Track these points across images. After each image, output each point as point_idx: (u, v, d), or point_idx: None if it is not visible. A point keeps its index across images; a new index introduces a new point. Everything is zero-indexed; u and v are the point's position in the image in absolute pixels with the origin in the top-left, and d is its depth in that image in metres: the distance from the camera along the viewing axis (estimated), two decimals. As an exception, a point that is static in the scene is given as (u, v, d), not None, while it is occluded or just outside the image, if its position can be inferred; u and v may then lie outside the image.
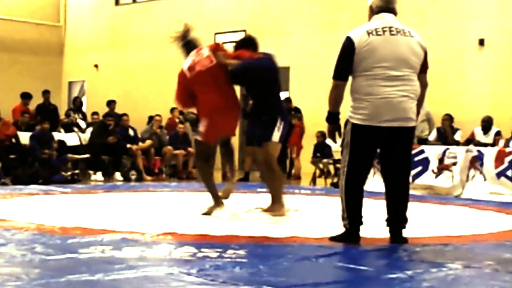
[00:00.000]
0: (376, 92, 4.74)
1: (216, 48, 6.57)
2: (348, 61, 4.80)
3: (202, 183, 6.58)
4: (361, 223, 4.93)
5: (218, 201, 6.45)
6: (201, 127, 6.43)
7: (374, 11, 4.97)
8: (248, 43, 6.80)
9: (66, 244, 4.61)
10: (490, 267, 4.16)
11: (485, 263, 4.27)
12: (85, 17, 20.99)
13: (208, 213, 6.42)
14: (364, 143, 4.84)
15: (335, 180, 12.12)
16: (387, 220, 4.98)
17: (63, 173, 11.46)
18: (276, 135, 6.52)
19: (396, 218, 4.96)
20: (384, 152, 4.95)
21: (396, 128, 4.81)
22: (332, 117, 4.99)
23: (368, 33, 4.81)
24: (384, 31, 4.81)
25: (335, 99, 4.91)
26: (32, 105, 15.02)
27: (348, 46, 4.80)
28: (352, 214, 4.90)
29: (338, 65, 4.87)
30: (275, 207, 6.61)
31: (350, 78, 4.91)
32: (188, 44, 6.76)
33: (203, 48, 6.60)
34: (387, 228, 4.98)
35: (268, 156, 6.55)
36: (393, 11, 4.96)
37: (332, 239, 4.99)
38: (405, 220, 4.98)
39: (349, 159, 4.86)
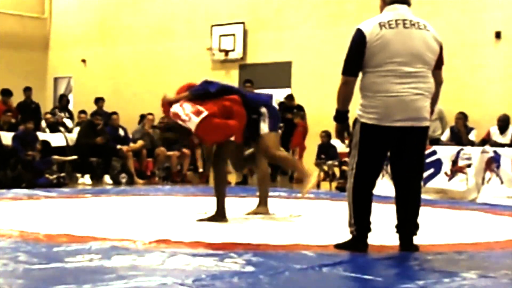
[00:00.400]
0: (388, 90, 4.73)
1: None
2: (359, 56, 4.77)
3: (216, 188, 6.60)
4: (370, 230, 4.92)
5: (222, 214, 6.53)
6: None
7: (386, 2, 4.95)
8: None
9: (52, 253, 4.61)
10: (507, 276, 4.17)
11: (502, 272, 4.28)
12: (72, 9, 20.99)
13: (204, 220, 6.47)
14: (374, 144, 4.83)
15: (341, 183, 12.13)
16: (397, 226, 4.97)
17: (48, 176, 11.46)
18: (264, 126, 6.59)
19: (407, 224, 4.95)
20: (395, 153, 4.94)
21: (409, 128, 4.79)
22: (341, 116, 4.97)
23: (381, 26, 4.78)
24: (397, 24, 4.79)
25: (345, 96, 4.88)
26: (15, 103, 15.04)
27: (359, 39, 4.77)
28: (360, 220, 4.88)
29: (348, 59, 4.84)
30: (261, 209, 6.92)
31: (360, 74, 4.91)
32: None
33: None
34: (397, 235, 4.98)
35: (266, 150, 6.61)
36: (407, 1, 4.95)
37: (338, 246, 4.99)
38: (416, 226, 4.97)
39: (357, 161, 4.85)
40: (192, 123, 6.18)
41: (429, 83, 4.86)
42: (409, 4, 4.97)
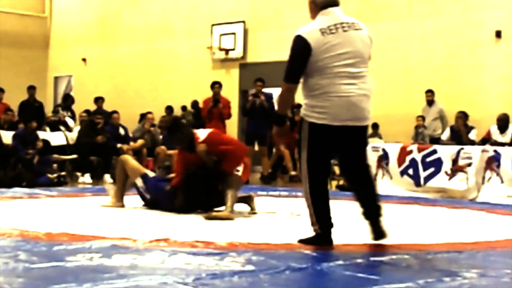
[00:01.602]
0: (337, 90, 4.89)
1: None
2: (303, 63, 4.91)
3: (231, 201, 6.86)
4: (332, 225, 5.05)
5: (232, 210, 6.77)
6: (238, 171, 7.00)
7: (318, 6, 5.06)
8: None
9: (52, 252, 4.61)
10: (508, 276, 4.16)
11: (503, 271, 4.27)
12: (72, 8, 21.00)
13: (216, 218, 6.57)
14: (323, 143, 4.98)
15: (341, 182, 12.13)
16: (363, 213, 5.11)
17: (49, 175, 11.46)
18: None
19: (371, 209, 5.09)
20: (343, 151, 5.13)
21: (355, 127, 5.00)
22: (282, 120, 5.24)
23: (322, 32, 4.92)
24: (337, 28, 4.96)
25: (288, 102, 5.15)
26: (16, 102, 15.04)
27: (303, 48, 4.89)
28: (322, 218, 5.02)
29: (291, 67, 4.98)
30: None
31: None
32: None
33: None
34: (366, 222, 5.09)
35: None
36: (336, 3, 5.12)
37: (302, 241, 5.09)
38: (379, 208, 5.09)
39: (308, 160, 4.98)
40: None
41: (370, 84, 5.06)
42: (338, 4, 5.14)
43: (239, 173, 7.03)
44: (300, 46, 4.91)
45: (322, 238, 5.01)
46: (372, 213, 5.08)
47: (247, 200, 7.31)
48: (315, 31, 4.92)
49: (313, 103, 4.93)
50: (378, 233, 5.05)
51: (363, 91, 4.97)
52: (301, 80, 4.99)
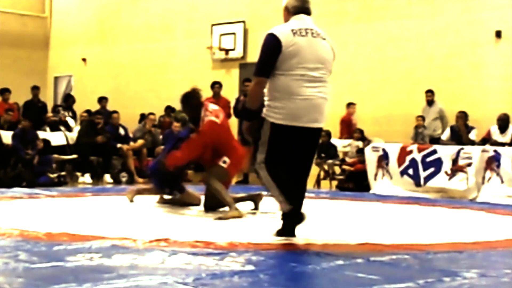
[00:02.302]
0: (299, 93, 5.13)
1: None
2: (273, 59, 5.15)
3: (221, 193, 6.97)
4: (302, 199, 5.26)
5: (236, 208, 6.85)
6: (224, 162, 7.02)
7: (291, 12, 5.32)
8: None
9: (52, 252, 4.61)
10: (508, 276, 4.16)
11: (503, 271, 4.28)
12: (72, 8, 20.99)
13: (222, 218, 6.59)
14: (283, 142, 5.21)
15: (341, 182, 12.13)
16: (283, 215, 5.30)
17: (50, 175, 11.46)
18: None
19: (294, 214, 5.25)
20: (295, 151, 5.30)
21: (312, 128, 5.24)
22: (253, 114, 5.40)
23: (293, 33, 5.18)
24: (307, 33, 5.23)
25: (258, 96, 5.29)
26: (21, 102, 15.04)
27: (274, 44, 5.13)
28: (288, 193, 5.17)
29: (262, 62, 5.22)
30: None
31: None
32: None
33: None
34: (282, 221, 5.31)
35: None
36: (308, 11, 5.37)
37: (277, 233, 5.30)
38: (302, 214, 5.27)
39: (266, 157, 5.23)
40: None
41: (329, 88, 5.32)
42: (310, 13, 5.38)
43: (225, 165, 7.01)
44: (272, 43, 5.14)
45: (293, 216, 5.20)
46: (292, 220, 5.27)
47: (256, 198, 7.29)
48: (287, 31, 5.18)
49: (276, 104, 5.17)
50: (289, 233, 5.28)
51: (323, 94, 5.23)
52: (269, 80, 5.19)
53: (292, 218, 5.23)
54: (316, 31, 5.29)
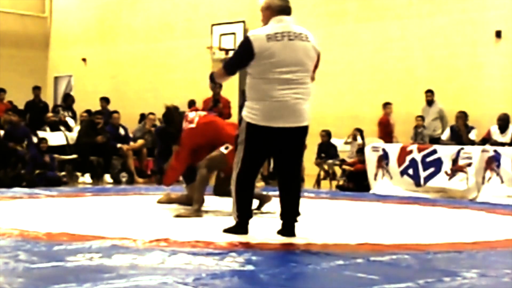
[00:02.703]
0: (272, 95, 5.27)
1: None
2: (242, 62, 5.40)
3: (197, 187, 6.86)
4: (251, 216, 5.53)
5: (200, 210, 6.86)
6: (229, 146, 6.90)
7: (274, 11, 5.44)
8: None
9: (52, 252, 4.61)
10: (508, 276, 4.16)
11: (503, 271, 4.27)
12: (72, 8, 20.99)
13: (181, 215, 6.69)
14: (258, 142, 5.37)
15: (341, 182, 12.14)
16: (281, 214, 5.49)
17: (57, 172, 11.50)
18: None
19: (290, 213, 5.46)
20: (278, 152, 5.47)
21: (290, 128, 5.33)
22: (212, 79, 5.96)
23: (268, 38, 5.30)
24: (283, 36, 5.33)
25: (219, 79, 5.89)
26: (16, 102, 15.03)
27: (247, 49, 5.31)
28: (242, 208, 5.45)
29: (232, 61, 5.57)
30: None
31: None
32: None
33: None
34: (281, 222, 5.47)
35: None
36: (290, 11, 5.51)
37: (225, 231, 5.52)
38: (297, 214, 5.50)
39: (243, 156, 5.39)
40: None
41: (308, 89, 5.41)
42: (290, 13, 5.52)
43: (226, 151, 6.88)
44: (245, 48, 5.33)
45: (239, 228, 5.46)
46: (289, 217, 5.45)
47: (264, 198, 7.20)
48: (262, 36, 5.31)
49: (252, 105, 5.34)
50: (287, 232, 5.43)
51: (299, 95, 5.33)
52: (247, 82, 5.43)
53: (236, 230, 5.47)
54: (295, 33, 5.38)
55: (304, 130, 5.44)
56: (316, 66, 5.57)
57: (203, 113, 7.38)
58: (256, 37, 5.31)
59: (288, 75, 5.29)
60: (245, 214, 5.49)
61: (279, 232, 5.47)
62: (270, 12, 5.44)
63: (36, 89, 15.40)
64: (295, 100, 5.30)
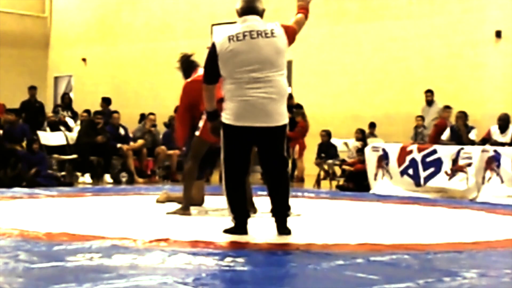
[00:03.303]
0: (240, 95, 5.34)
1: None
2: (212, 67, 5.43)
3: (183, 183, 6.93)
4: (248, 216, 5.56)
5: (188, 208, 6.85)
6: (201, 123, 6.77)
7: (238, 13, 5.53)
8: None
9: (52, 252, 4.61)
10: (508, 276, 4.16)
11: (503, 271, 4.27)
12: (72, 8, 20.99)
13: (170, 213, 6.76)
14: (234, 141, 5.43)
15: (341, 182, 12.14)
16: (272, 211, 5.54)
17: (51, 172, 11.47)
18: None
19: (280, 209, 5.52)
20: (259, 151, 5.54)
21: (262, 128, 5.37)
22: (211, 115, 5.65)
23: (229, 39, 5.38)
24: (244, 36, 5.38)
25: (208, 99, 5.61)
26: (16, 102, 15.02)
27: (212, 52, 5.42)
28: (236, 208, 5.49)
29: (205, 70, 5.59)
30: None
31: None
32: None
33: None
34: (273, 219, 5.53)
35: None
36: (254, 10, 5.54)
37: (225, 231, 5.53)
38: (288, 208, 5.55)
39: (224, 156, 5.48)
40: None
41: (277, 87, 5.37)
42: (257, 13, 5.56)
43: (197, 133, 6.81)
44: (210, 52, 5.43)
45: (237, 229, 5.46)
46: (279, 212, 5.50)
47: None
48: (224, 38, 5.40)
49: (225, 106, 5.42)
50: (282, 230, 5.46)
51: (268, 94, 5.33)
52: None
53: (235, 231, 5.47)
54: (258, 31, 5.39)
55: (276, 131, 5.41)
56: (293, 38, 5.59)
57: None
58: (219, 41, 5.42)
59: (254, 73, 5.31)
60: (240, 214, 5.49)
61: (277, 233, 5.47)
62: (238, 15, 5.54)
63: (32, 89, 15.36)
64: (263, 100, 5.32)
